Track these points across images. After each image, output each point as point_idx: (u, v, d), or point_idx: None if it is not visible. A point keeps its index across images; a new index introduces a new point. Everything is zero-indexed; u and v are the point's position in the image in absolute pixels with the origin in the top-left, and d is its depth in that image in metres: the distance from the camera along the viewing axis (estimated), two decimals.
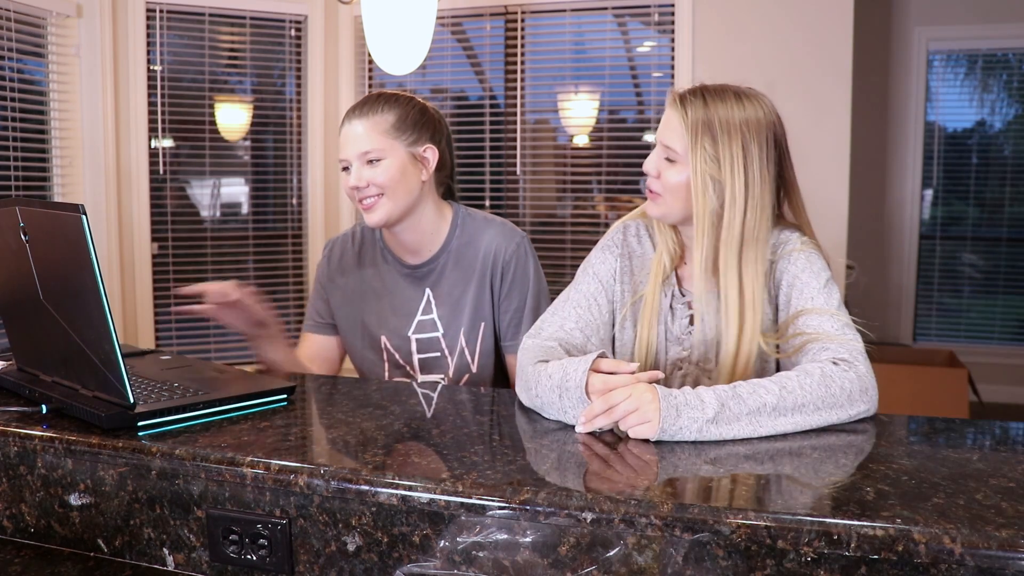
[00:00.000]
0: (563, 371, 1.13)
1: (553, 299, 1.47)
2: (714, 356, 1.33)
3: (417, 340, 1.66)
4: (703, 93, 1.27)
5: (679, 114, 1.27)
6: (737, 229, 1.26)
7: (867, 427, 1.12)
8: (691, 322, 1.36)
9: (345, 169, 1.58)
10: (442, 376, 1.67)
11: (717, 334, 1.32)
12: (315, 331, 1.74)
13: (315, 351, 1.74)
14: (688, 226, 1.34)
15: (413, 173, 1.57)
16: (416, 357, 1.67)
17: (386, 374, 1.69)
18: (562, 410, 1.12)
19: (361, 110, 1.56)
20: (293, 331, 4.02)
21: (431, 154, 1.59)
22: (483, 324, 1.65)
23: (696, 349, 1.34)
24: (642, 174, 1.36)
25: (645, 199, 1.38)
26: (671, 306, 1.37)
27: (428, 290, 1.66)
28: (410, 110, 1.58)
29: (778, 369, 1.32)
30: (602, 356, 1.14)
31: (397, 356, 1.67)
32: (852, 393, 1.10)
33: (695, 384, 1.32)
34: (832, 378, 1.10)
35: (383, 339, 1.68)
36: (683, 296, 1.37)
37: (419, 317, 1.66)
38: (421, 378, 1.68)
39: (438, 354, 1.66)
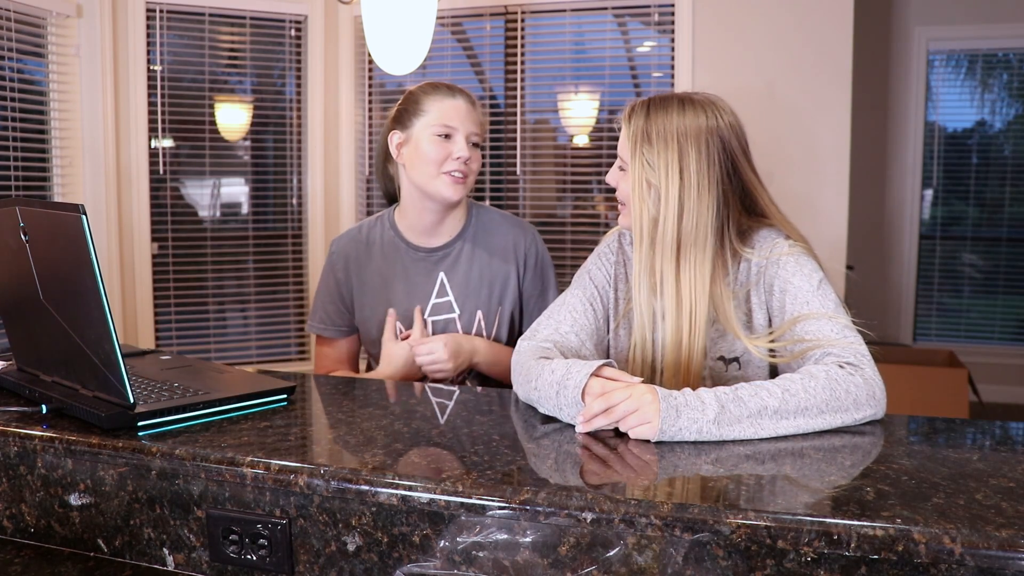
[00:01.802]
0: (566, 370, 1.14)
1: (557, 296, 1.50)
2: (709, 362, 1.34)
3: (433, 322, 1.70)
4: (649, 104, 1.32)
5: (625, 125, 1.33)
6: (671, 233, 1.28)
7: (869, 428, 1.12)
8: None
9: (444, 137, 1.63)
10: None
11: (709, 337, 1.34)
12: (338, 335, 1.79)
13: (344, 351, 1.81)
14: None
15: None
16: None
17: None
18: (557, 407, 1.13)
19: (470, 97, 1.67)
20: (294, 333, 4.02)
21: None
22: (501, 308, 1.71)
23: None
24: None
25: None
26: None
27: (442, 274, 1.71)
28: None
29: (773, 375, 1.32)
30: (608, 365, 1.15)
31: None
32: (859, 398, 1.10)
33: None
34: (838, 382, 1.09)
35: (398, 323, 1.71)
36: None
37: (434, 300, 1.71)
38: None
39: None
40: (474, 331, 1.70)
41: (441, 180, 1.62)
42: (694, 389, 1.26)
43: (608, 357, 1.44)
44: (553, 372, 1.15)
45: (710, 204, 1.28)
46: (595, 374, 1.12)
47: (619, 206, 1.40)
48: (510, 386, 1.41)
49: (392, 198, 1.78)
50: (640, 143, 1.30)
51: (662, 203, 1.28)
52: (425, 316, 1.70)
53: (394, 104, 1.73)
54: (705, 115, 1.29)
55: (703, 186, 1.27)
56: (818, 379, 1.09)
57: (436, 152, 1.62)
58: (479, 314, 1.70)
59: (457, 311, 1.70)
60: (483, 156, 1.80)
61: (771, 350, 1.27)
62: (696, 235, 1.28)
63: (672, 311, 1.30)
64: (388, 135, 1.69)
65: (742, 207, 1.34)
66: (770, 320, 1.31)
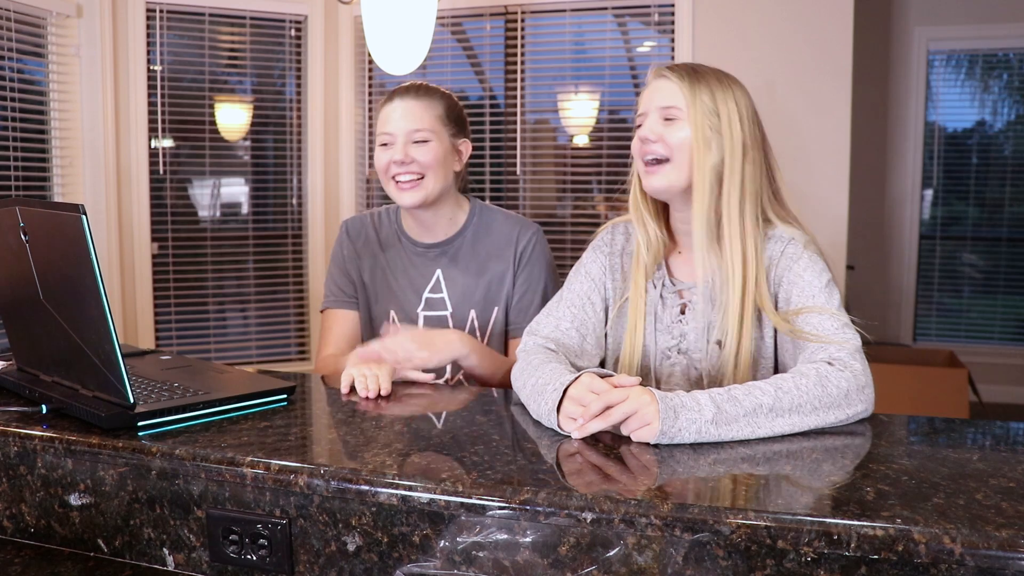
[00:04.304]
0: (549, 378, 1.16)
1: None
2: (704, 345, 1.33)
3: (425, 317, 1.70)
4: (692, 66, 1.32)
5: (672, 77, 1.30)
6: (737, 181, 1.26)
7: (866, 428, 1.12)
8: (682, 311, 1.36)
9: (384, 145, 1.63)
10: None
11: (708, 319, 1.32)
12: (344, 307, 1.74)
13: (349, 328, 1.74)
14: (684, 204, 1.32)
15: (450, 162, 1.67)
16: None
17: None
18: (538, 413, 1.15)
19: (415, 93, 1.64)
20: (294, 333, 4.02)
21: (465, 148, 1.71)
22: (496, 308, 1.70)
23: (686, 337, 1.34)
24: None
25: None
26: (661, 295, 1.37)
27: (439, 270, 1.71)
28: (455, 105, 1.70)
29: (777, 368, 1.32)
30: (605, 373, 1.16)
31: None
32: (849, 392, 1.10)
33: (684, 373, 1.33)
34: (828, 378, 1.10)
35: (391, 314, 1.72)
36: (674, 285, 1.37)
37: (427, 295, 1.70)
38: None
39: None
40: (467, 331, 1.69)
41: (392, 188, 1.64)
42: (750, 360, 1.28)
43: (606, 351, 1.44)
44: (539, 379, 1.18)
45: (762, 159, 1.29)
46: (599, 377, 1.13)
47: (651, 166, 1.31)
48: (507, 387, 1.41)
49: None
50: (699, 88, 1.27)
51: (727, 148, 1.26)
52: (419, 310, 1.70)
53: None
54: (739, 83, 1.32)
55: (756, 138, 1.28)
56: (808, 377, 1.10)
57: (380, 162, 1.65)
58: (472, 314, 1.69)
59: (450, 309, 1.70)
60: (472, 146, 1.74)
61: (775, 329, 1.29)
62: (757, 184, 1.27)
63: (739, 261, 1.27)
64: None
65: (772, 178, 1.33)
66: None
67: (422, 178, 1.61)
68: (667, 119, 1.29)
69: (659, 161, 1.29)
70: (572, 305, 1.40)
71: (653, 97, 1.31)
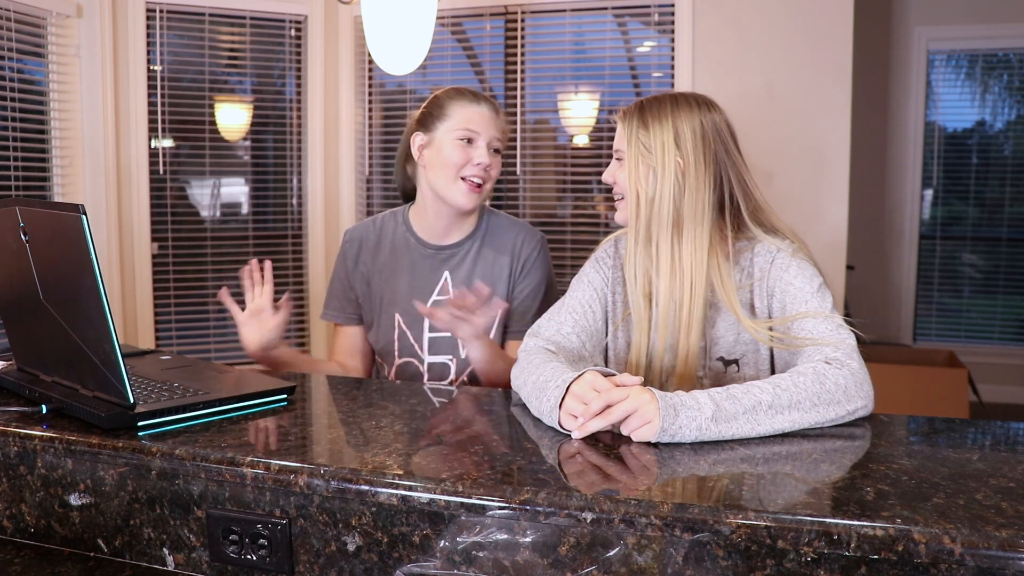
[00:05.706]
0: (551, 376, 1.17)
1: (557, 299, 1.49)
2: (705, 362, 1.35)
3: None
4: (643, 102, 1.38)
5: (619, 121, 1.38)
6: (667, 209, 1.31)
7: (865, 429, 1.12)
8: None
9: (467, 141, 1.64)
10: (450, 358, 1.72)
11: (710, 336, 1.34)
12: (347, 323, 1.81)
13: (353, 343, 1.81)
14: None
15: None
16: (427, 336, 1.71)
17: (396, 353, 1.74)
18: (539, 411, 1.15)
19: (495, 105, 1.69)
20: (294, 333, 4.01)
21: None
22: (500, 312, 1.70)
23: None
24: None
25: None
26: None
27: (447, 273, 1.72)
28: None
29: (774, 371, 1.34)
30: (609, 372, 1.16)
31: (409, 335, 1.72)
32: (848, 389, 1.11)
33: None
34: (825, 376, 1.11)
35: (397, 316, 1.73)
36: None
37: (435, 297, 1.72)
38: (428, 359, 1.71)
39: (449, 335, 1.70)
40: None
41: (458, 186, 1.64)
42: (690, 366, 1.31)
43: (606, 359, 1.45)
44: (540, 376, 1.18)
45: (707, 180, 1.31)
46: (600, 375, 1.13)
47: (616, 201, 1.41)
48: (507, 386, 1.41)
49: (408, 197, 1.81)
50: (636, 130, 1.34)
51: (659, 183, 1.31)
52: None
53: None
54: (696, 104, 1.34)
55: (699, 162, 1.31)
56: (806, 375, 1.12)
57: (457, 156, 1.63)
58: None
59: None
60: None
61: (771, 338, 1.30)
62: (695, 211, 1.31)
63: (667, 280, 1.32)
64: (411, 136, 1.72)
65: (741, 193, 1.35)
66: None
67: (484, 184, 1.66)
68: (619, 159, 1.38)
69: (620, 197, 1.40)
70: (574, 311, 1.41)
71: (615, 141, 1.41)
